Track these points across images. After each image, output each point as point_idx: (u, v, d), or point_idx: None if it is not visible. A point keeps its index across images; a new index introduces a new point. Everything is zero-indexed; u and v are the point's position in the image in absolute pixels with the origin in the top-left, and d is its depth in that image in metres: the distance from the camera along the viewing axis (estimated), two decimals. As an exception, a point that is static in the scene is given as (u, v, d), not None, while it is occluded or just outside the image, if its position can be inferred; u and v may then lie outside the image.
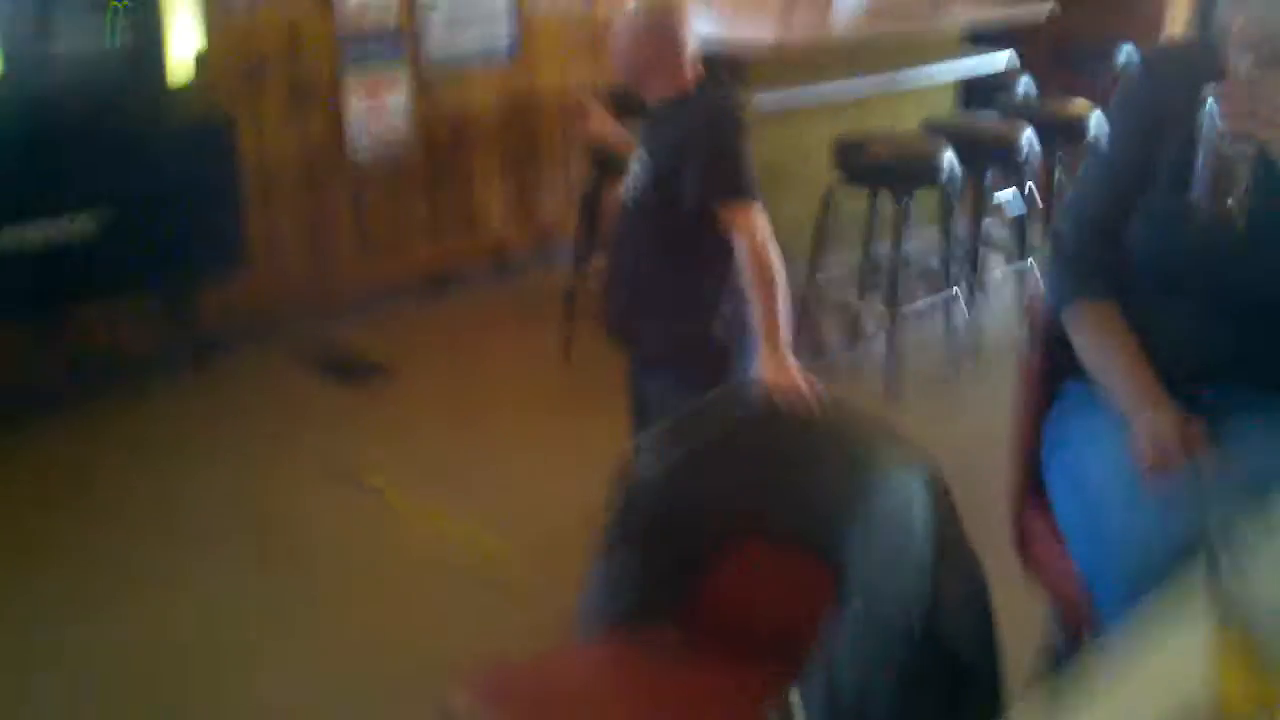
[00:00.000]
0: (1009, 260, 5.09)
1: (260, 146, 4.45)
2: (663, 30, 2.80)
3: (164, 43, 3.81)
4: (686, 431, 2.02)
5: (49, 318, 4.02)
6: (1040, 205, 5.04)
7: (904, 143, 4.42)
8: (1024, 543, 2.25)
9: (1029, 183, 4.81)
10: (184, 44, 3.84)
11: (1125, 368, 2.04)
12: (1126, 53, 5.75)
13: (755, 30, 4.95)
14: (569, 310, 4.37)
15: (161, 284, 4.25)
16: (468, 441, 3.88)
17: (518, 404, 4.20)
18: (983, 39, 5.35)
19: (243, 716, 2.67)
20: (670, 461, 1.99)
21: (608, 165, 4.02)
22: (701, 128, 2.74)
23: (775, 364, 2.49)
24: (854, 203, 4.45)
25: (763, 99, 4.41)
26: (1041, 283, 2.28)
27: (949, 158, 4.19)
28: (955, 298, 4.53)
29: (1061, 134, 4.80)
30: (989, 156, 4.58)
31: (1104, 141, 2.24)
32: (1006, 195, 4.94)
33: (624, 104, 3.47)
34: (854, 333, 4.71)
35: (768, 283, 2.59)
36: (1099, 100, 4.85)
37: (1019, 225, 4.94)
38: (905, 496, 1.76)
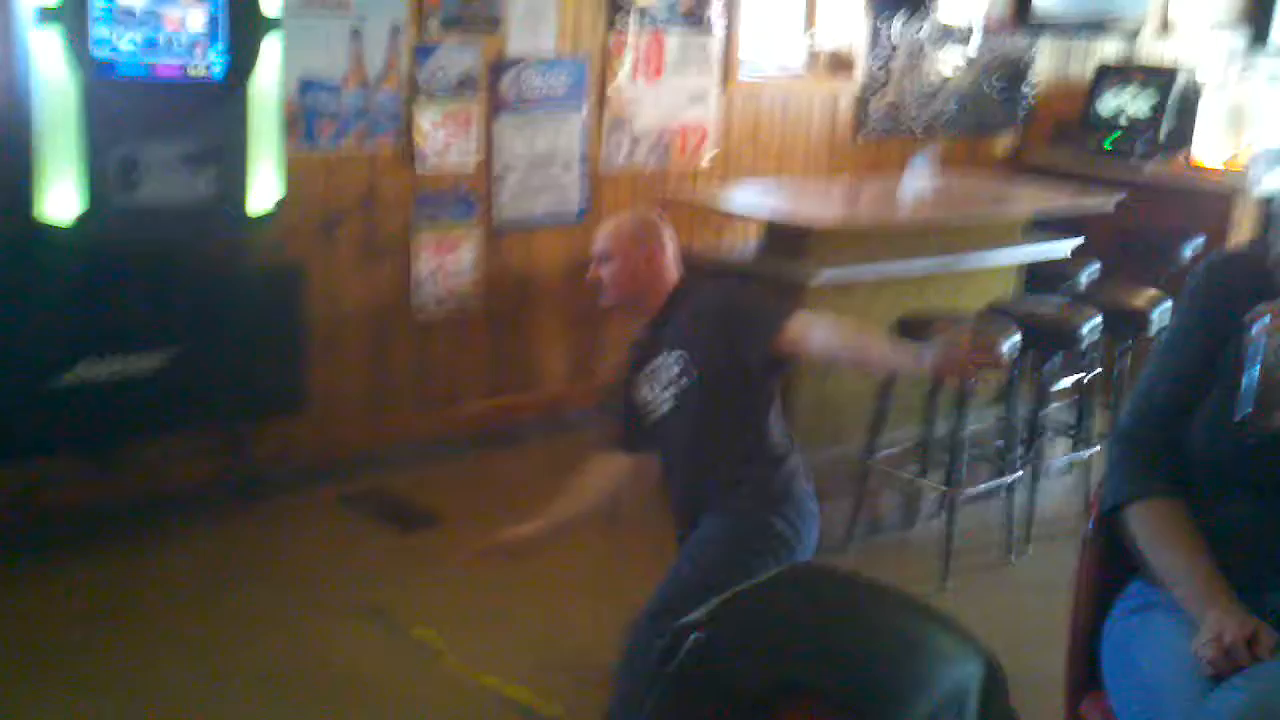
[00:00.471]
0: (1071, 446, 5.03)
1: (329, 294, 4.55)
2: (648, 238, 2.94)
3: (245, 192, 3.92)
4: (741, 596, 1.99)
5: (113, 449, 4.08)
6: (1101, 388, 4.99)
7: (963, 322, 4.41)
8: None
9: (1093, 370, 4.78)
10: (264, 194, 3.96)
11: (1189, 566, 2.00)
12: (1194, 247, 5.76)
13: (822, 209, 5.03)
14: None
15: (221, 422, 4.31)
16: (510, 591, 3.85)
17: (566, 557, 4.15)
18: (1049, 224, 5.39)
19: None
20: (723, 621, 1.95)
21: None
22: (720, 293, 2.91)
23: (938, 352, 2.52)
24: (917, 380, 4.44)
25: (826, 274, 4.46)
26: (1104, 475, 2.25)
27: (1014, 340, 4.18)
28: (1015, 481, 4.47)
29: (1126, 322, 4.77)
30: (1052, 341, 4.56)
31: (1170, 336, 2.24)
32: (1067, 382, 4.91)
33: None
34: (911, 511, 4.65)
35: (858, 332, 2.76)
36: (1165, 291, 4.85)
37: (1081, 412, 4.89)
38: (961, 680, 1.71)
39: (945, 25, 6.43)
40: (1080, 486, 4.82)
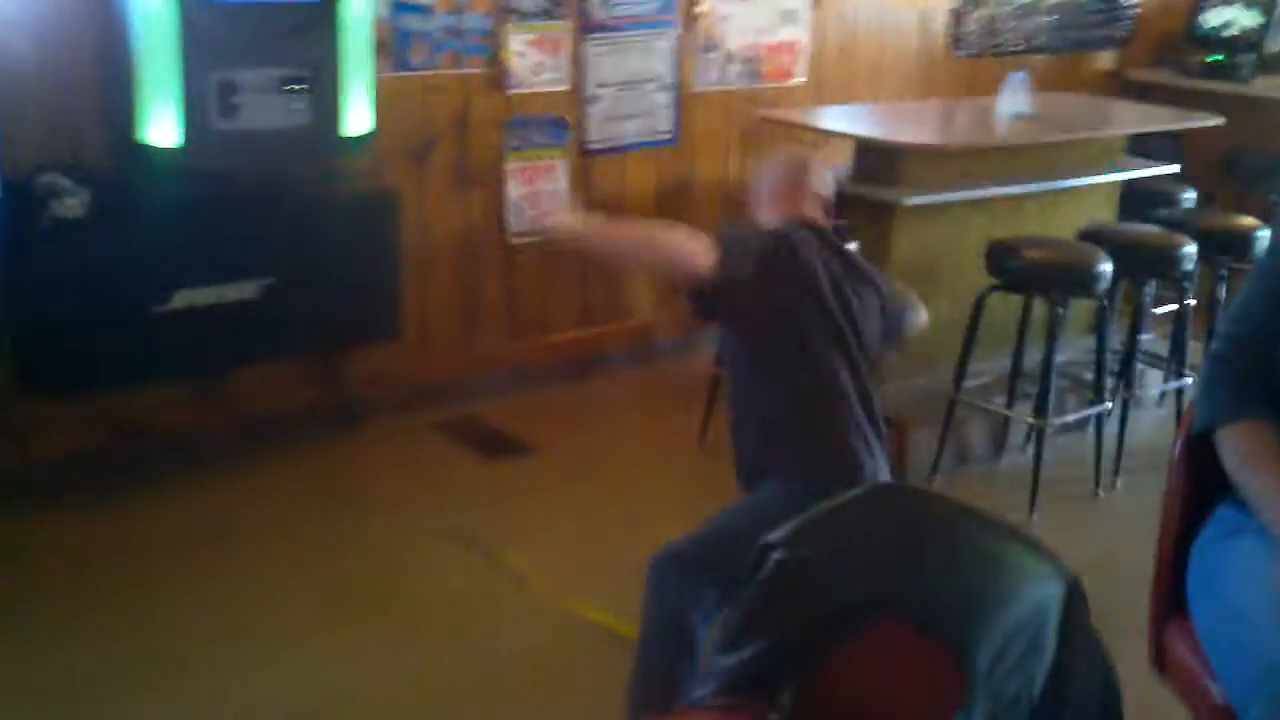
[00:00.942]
0: (1165, 376, 4.94)
1: (421, 222, 4.60)
2: (790, 175, 2.90)
3: (338, 121, 3.96)
4: (823, 515, 2.01)
5: (210, 376, 4.18)
6: (1201, 321, 4.89)
7: (1061, 249, 4.34)
8: (1163, 658, 2.21)
9: (1190, 298, 4.69)
10: (358, 118, 4.00)
11: (1278, 486, 1.97)
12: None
13: (914, 130, 4.96)
14: (710, 397, 4.39)
15: (317, 349, 4.40)
16: (599, 519, 3.91)
17: (654, 485, 4.21)
18: (1149, 145, 5.25)
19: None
20: (805, 531, 1.98)
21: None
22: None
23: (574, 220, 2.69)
24: (1007, 307, 4.39)
25: (917, 197, 4.41)
26: (1195, 398, 2.22)
27: (1106, 267, 4.10)
28: (1107, 412, 4.41)
29: (1225, 249, 4.66)
30: (1149, 268, 4.48)
31: (1269, 257, 2.19)
32: (1163, 310, 4.82)
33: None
34: (1000, 442, 4.61)
35: (648, 235, 2.81)
36: (1265, 216, 4.72)
37: (1177, 340, 4.80)
38: (1042, 599, 1.72)
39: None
40: (1173, 419, 4.74)
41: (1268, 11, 6.39)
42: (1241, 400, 2.08)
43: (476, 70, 4.64)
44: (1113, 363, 4.56)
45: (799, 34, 5.54)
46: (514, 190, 4.84)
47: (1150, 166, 5.13)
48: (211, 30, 3.64)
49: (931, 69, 6.10)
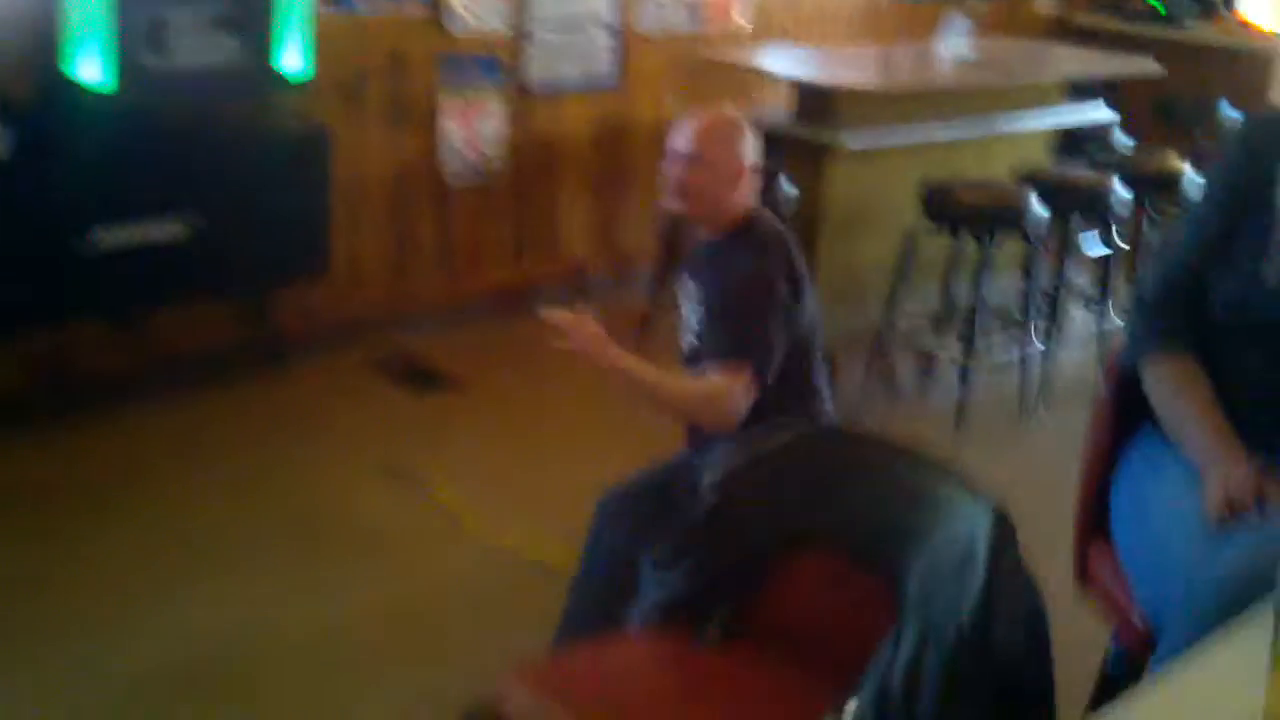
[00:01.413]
0: (1093, 317, 5.03)
1: (355, 159, 4.53)
2: (718, 157, 2.62)
3: (272, 55, 3.90)
4: (755, 446, 2.04)
5: (138, 315, 4.11)
6: (1126, 257, 4.97)
7: (991, 188, 4.39)
8: (1086, 576, 2.28)
9: (1119, 239, 4.75)
10: (292, 57, 3.94)
11: (1200, 418, 2.03)
12: (1226, 112, 5.67)
13: (853, 73, 4.96)
14: (641, 335, 4.39)
15: (246, 287, 4.34)
16: (531, 454, 3.92)
17: (582, 421, 4.21)
18: (1083, 90, 5.30)
19: (282, 700, 2.73)
20: (737, 472, 2.01)
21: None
22: (731, 281, 2.57)
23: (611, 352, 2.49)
24: (936, 247, 4.43)
25: (854, 139, 4.42)
26: (1122, 332, 2.27)
27: (1034, 204, 4.15)
28: (1032, 344, 4.48)
29: (1152, 187, 4.73)
30: (1076, 205, 4.53)
31: (1196, 200, 2.25)
32: (1090, 239, 4.89)
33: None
34: (928, 375, 4.68)
35: (682, 395, 2.56)
36: (1195, 156, 4.79)
37: (1102, 273, 4.88)
38: (969, 524, 1.76)
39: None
40: (1098, 358, 4.83)
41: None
42: (1168, 335, 2.13)
43: (415, 7, 4.57)
44: (1041, 303, 4.63)
45: (740, -26, 5.51)
46: (450, 129, 4.79)
47: (1086, 111, 5.19)
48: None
49: (874, 14, 6.09)
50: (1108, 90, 5.35)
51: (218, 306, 4.32)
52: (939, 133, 4.72)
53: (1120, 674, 2.19)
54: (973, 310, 4.24)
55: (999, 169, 4.79)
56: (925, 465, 1.97)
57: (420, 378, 4.47)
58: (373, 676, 2.83)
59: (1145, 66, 5.30)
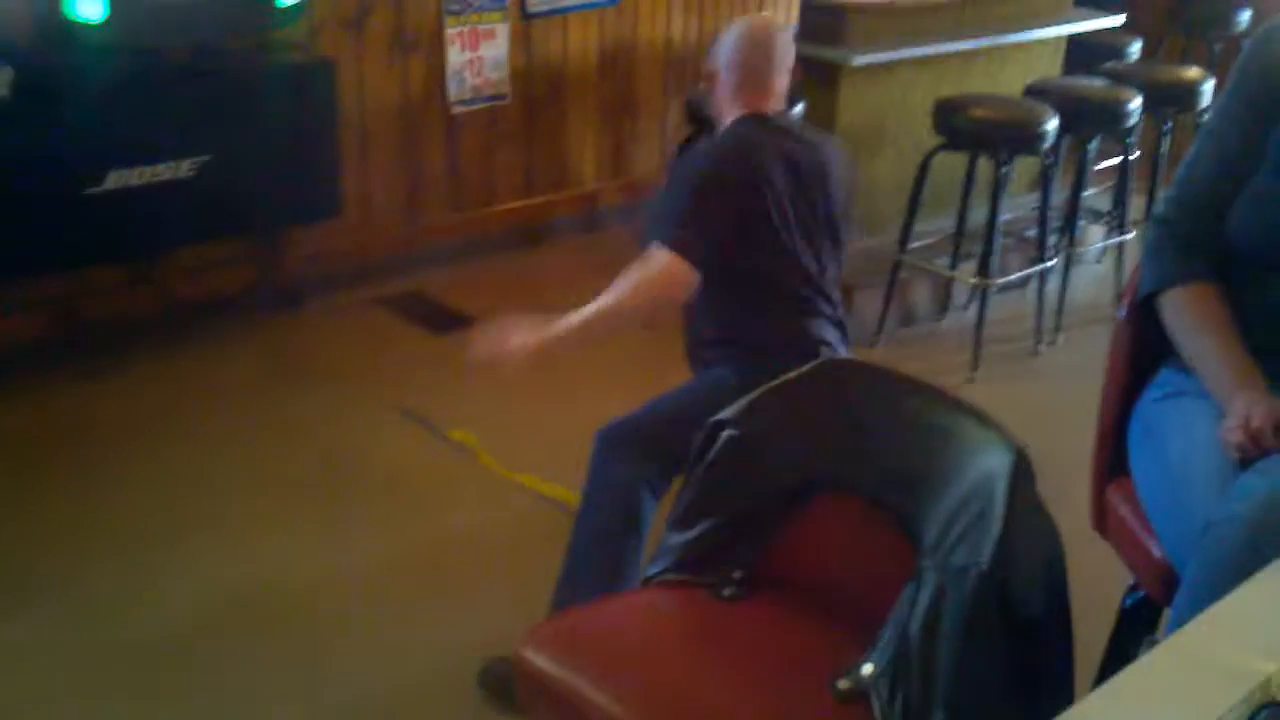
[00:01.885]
0: (1107, 232, 4.97)
1: (360, 94, 4.49)
2: (710, 61, 2.66)
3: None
4: (773, 393, 2.02)
5: (146, 258, 4.10)
6: (1142, 171, 4.90)
7: (1006, 106, 4.31)
8: (1103, 516, 2.24)
9: (1134, 152, 4.69)
10: (290, -11, 3.88)
11: (1220, 349, 1.99)
12: (1246, 19, 5.56)
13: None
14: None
15: (256, 228, 4.32)
16: (550, 393, 3.91)
17: (600, 356, 4.19)
18: (1098, 1, 5.20)
19: (300, 645, 2.75)
20: (755, 418, 1.99)
21: (704, 120, 3.99)
22: (674, 173, 2.61)
23: (531, 333, 2.53)
24: (952, 167, 4.38)
25: (863, 56, 4.35)
26: (1141, 260, 2.23)
27: (1052, 124, 4.09)
28: (1050, 269, 4.45)
29: (1171, 101, 4.65)
30: (1094, 123, 4.46)
31: (1215, 117, 2.17)
32: (1107, 165, 4.83)
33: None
34: (944, 301, 4.65)
35: (620, 300, 2.56)
36: (1210, 66, 4.71)
37: (1119, 195, 4.82)
38: (988, 472, 1.75)
39: None
40: (1115, 274, 4.79)
41: None
42: (1187, 264, 2.08)
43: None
44: (1055, 219, 4.58)
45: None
46: (455, 56, 4.72)
47: (1097, 18, 5.09)
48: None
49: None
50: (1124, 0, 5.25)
51: (231, 251, 4.31)
52: (949, 47, 4.63)
53: (1139, 615, 2.18)
54: (989, 231, 4.19)
55: (1012, 84, 4.72)
56: (945, 404, 1.95)
57: (435, 316, 4.46)
58: (394, 616, 2.86)
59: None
